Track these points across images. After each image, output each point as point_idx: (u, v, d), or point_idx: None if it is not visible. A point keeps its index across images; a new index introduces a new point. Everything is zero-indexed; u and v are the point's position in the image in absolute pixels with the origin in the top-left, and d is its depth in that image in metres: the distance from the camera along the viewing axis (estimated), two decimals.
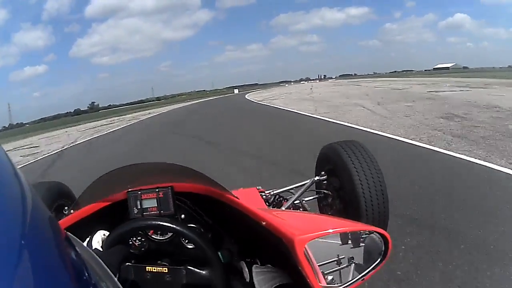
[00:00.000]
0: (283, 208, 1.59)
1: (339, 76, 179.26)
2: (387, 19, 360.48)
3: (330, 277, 0.69)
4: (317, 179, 1.73)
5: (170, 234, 0.83)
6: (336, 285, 0.68)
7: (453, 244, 1.92)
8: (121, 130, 14.22)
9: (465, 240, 1.94)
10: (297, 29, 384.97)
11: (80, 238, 0.56)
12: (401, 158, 3.93)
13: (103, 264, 0.44)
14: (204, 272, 0.78)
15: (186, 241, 0.82)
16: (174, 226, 0.77)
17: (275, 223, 0.69)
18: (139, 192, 0.83)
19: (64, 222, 0.79)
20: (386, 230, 0.73)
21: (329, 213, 1.65)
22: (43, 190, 1.61)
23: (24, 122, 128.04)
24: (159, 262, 0.81)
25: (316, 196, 1.78)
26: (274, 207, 1.66)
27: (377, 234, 0.73)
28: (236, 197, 0.79)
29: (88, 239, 0.83)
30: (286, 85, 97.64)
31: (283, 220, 0.74)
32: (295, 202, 1.65)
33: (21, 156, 9.70)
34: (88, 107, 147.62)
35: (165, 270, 0.79)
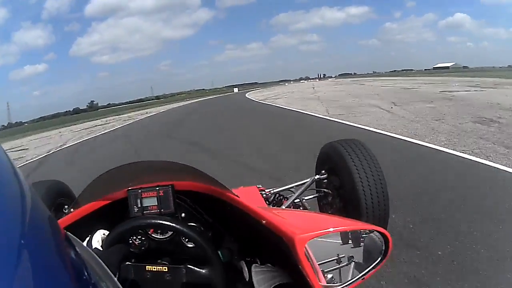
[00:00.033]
0: (283, 207, 1.58)
1: (339, 75, 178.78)
2: (387, 19, 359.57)
3: (330, 276, 0.70)
4: (317, 178, 1.71)
5: (170, 233, 0.82)
6: (336, 284, 0.69)
7: None
8: (111, 133, 13.06)
9: None
10: (297, 28, 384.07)
11: (80, 237, 0.56)
12: (477, 185, 2.87)
13: (103, 263, 0.43)
14: (204, 271, 0.77)
15: (186, 240, 0.81)
16: (174, 225, 0.77)
17: (275, 221, 0.69)
18: (140, 191, 0.83)
19: (64, 221, 0.79)
20: (386, 229, 0.73)
21: (329, 212, 1.64)
22: (43, 189, 1.60)
23: (23, 121, 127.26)
24: (159, 261, 0.81)
25: (316, 195, 1.76)
26: (274, 206, 1.64)
27: (378, 233, 0.73)
28: (237, 196, 0.79)
29: (88, 238, 0.82)
30: (286, 84, 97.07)
31: (284, 219, 0.74)
32: (295, 201, 1.64)
33: None
34: (87, 106, 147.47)
35: (165, 269, 0.78)
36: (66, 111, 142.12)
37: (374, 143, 4.50)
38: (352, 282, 0.69)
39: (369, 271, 0.71)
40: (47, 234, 0.31)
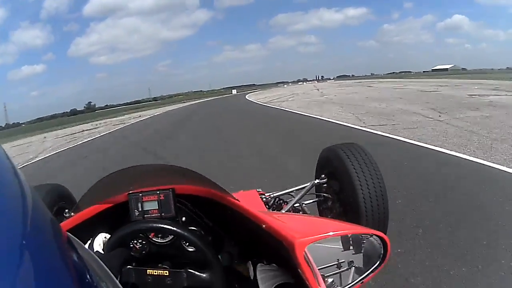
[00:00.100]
0: (283, 211, 1.57)
1: (337, 77, 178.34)
2: (385, 20, 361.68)
3: (330, 280, 0.70)
4: (317, 182, 1.70)
5: (171, 237, 0.82)
6: None
7: None
8: (90, 143, 11.50)
9: None
10: (295, 29, 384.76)
11: (81, 240, 0.55)
12: None
13: (105, 266, 0.43)
14: (204, 275, 0.77)
15: (187, 244, 0.81)
16: (175, 228, 0.77)
17: (275, 225, 0.69)
18: (140, 194, 0.83)
19: (65, 224, 0.78)
20: (385, 233, 0.77)
21: (329, 216, 1.63)
22: (43, 193, 1.58)
23: (21, 122, 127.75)
24: (160, 265, 0.81)
25: (316, 199, 1.75)
26: (274, 210, 1.64)
27: (376, 237, 0.73)
28: (237, 200, 0.79)
29: (89, 241, 0.81)
30: (285, 86, 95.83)
31: (283, 223, 0.74)
32: (295, 205, 1.63)
33: None
34: (84, 107, 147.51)
35: (165, 273, 0.78)
36: (64, 112, 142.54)
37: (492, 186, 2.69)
38: (351, 286, 0.70)
39: (367, 275, 0.72)
40: (49, 235, 0.31)
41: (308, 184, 1.73)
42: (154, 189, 0.82)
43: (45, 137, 18.04)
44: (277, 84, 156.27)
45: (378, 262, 0.72)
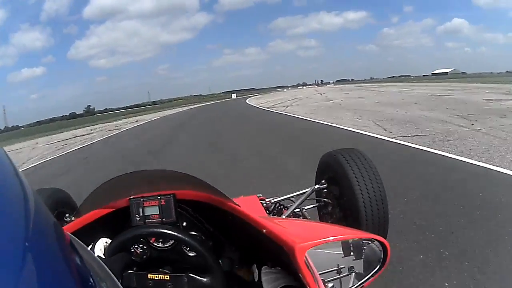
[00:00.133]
0: (284, 216, 1.57)
1: (336, 81, 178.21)
2: (385, 24, 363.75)
3: (330, 285, 0.70)
4: (317, 188, 1.70)
5: (171, 242, 0.82)
6: None
7: None
8: (79, 151, 10.58)
9: None
10: (295, 33, 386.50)
11: None
12: None
13: (107, 268, 0.43)
14: (205, 280, 0.77)
15: (188, 248, 0.81)
16: (176, 233, 0.77)
17: (276, 230, 0.69)
18: (141, 200, 0.83)
19: (66, 229, 0.75)
20: (385, 238, 0.74)
21: (329, 221, 1.62)
22: (44, 197, 1.58)
23: (20, 125, 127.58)
24: (160, 269, 0.81)
25: (316, 204, 1.75)
26: (275, 215, 1.64)
27: (376, 242, 0.73)
28: (237, 205, 0.80)
29: (90, 246, 0.82)
30: (285, 90, 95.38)
31: (284, 228, 0.74)
32: (295, 210, 1.63)
33: None
34: (84, 110, 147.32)
35: (166, 277, 0.78)
36: (63, 116, 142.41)
37: None
38: None
39: (368, 279, 0.72)
40: (51, 237, 0.31)
41: (308, 189, 1.73)
42: (155, 194, 0.83)
43: (37, 143, 17.39)
44: (276, 88, 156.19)
45: (378, 267, 0.73)
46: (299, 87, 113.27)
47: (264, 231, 0.70)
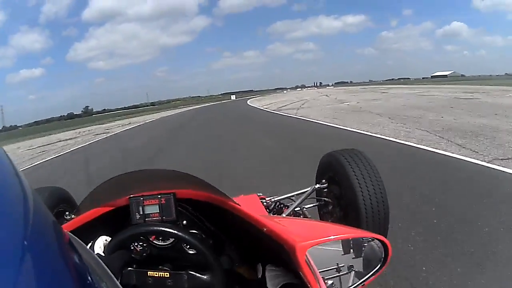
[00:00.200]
0: (284, 215, 1.56)
1: (335, 83, 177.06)
2: (384, 27, 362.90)
3: (330, 282, 0.70)
4: (318, 187, 1.70)
5: (171, 240, 0.82)
6: None
7: None
8: (56, 159, 9.14)
9: None
10: (294, 36, 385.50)
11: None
12: None
13: (106, 267, 0.43)
14: (205, 277, 0.77)
15: (188, 246, 0.81)
16: (176, 232, 0.77)
17: (276, 229, 0.69)
18: (141, 198, 0.83)
19: (66, 227, 0.79)
20: (386, 237, 0.73)
21: (330, 221, 1.61)
22: (44, 195, 1.57)
23: (18, 125, 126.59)
24: (160, 267, 0.81)
25: (317, 203, 1.74)
26: (275, 214, 1.62)
27: (377, 241, 0.73)
28: (237, 204, 0.80)
29: (90, 244, 0.82)
30: (284, 91, 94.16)
31: (284, 226, 0.74)
32: (295, 209, 1.62)
33: None
34: (82, 111, 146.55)
35: (166, 275, 0.78)
36: (61, 116, 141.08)
37: None
38: None
39: (368, 278, 0.72)
40: (51, 236, 0.31)
41: (309, 188, 1.71)
42: (155, 193, 0.83)
43: (18, 148, 15.89)
44: (275, 90, 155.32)
45: (378, 266, 0.73)
46: (298, 89, 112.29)
47: (265, 229, 0.71)
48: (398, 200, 2.68)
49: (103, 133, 16.31)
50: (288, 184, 3.20)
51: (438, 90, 19.53)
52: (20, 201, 0.29)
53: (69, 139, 15.91)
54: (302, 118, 10.86)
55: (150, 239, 0.83)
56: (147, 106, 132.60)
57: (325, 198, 1.67)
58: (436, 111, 9.08)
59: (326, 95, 26.34)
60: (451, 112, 8.54)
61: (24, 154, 11.89)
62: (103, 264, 0.43)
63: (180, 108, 46.52)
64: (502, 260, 1.85)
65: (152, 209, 0.82)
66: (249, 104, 27.13)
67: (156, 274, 0.78)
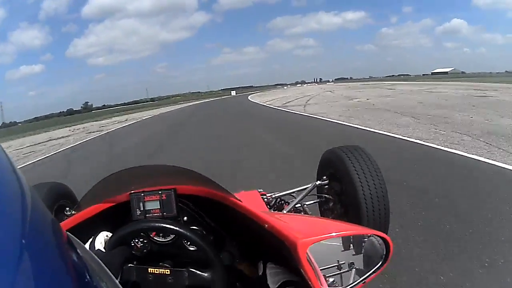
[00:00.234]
0: (285, 212, 1.55)
1: (335, 79, 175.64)
2: (384, 24, 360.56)
3: (331, 280, 0.70)
4: (319, 184, 1.69)
5: (172, 236, 0.82)
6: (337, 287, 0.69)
7: None
8: (40, 162, 8.20)
9: None
10: (293, 32, 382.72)
11: (82, 239, 0.52)
12: None
13: (104, 265, 0.43)
14: (206, 274, 0.77)
15: (189, 243, 0.81)
16: (176, 228, 0.76)
17: (277, 226, 0.69)
18: (142, 194, 0.83)
19: (67, 223, 0.79)
20: (387, 234, 0.73)
21: (330, 217, 1.61)
22: (45, 191, 1.56)
23: (17, 121, 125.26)
24: (161, 263, 0.80)
25: (318, 200, 1.73)
26: (276, 210, 1.62)
27: (378, 238, 0.73)
28: (239, 200, 0.79)
29: (90, 240, 0.81)
30: (285, 87, 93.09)
31: (286, 223, 0.73)
32: (296, 205, 1.61)
33: None
34: (81, 107, 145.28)
35: (167, 271, 0.78)
36: (60, 112, 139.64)
37: None
38: (353, 286, 0.69)
39: (369, 275, 0.71)
40: (48, 235, 0.30)
41: (310, 185, 1.70)
42: (156, 189, 0.83)
43: (9, 146, 14.97)
44: (275, 86, 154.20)
45: (380, 263, 0.72)
46: (298, 85, 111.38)
47: (266, 226, 0.70)
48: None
49: (97, 131, 15.44)
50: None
51: (444, 87, 18.80)
52: (17, 198, 0.28)
53: (62, 137, 14.96)
54: (314, 116, 9.90)
55: (151, 235, 0.82)
56: (147, 102, 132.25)
57: (326, 195, 1.66)
58: (459, 109, 8.31)
59: (330, 91, 25.47)
60: (476, 112, 7.85)
61: (11, 155, 10.87)
62: (101, 262, 0.43)
63: (180, 104, 45.64)
64: None
65: (152, 205, 0.82)
66: (251, 100, 26.30)
67: (156, 270, 0.77)
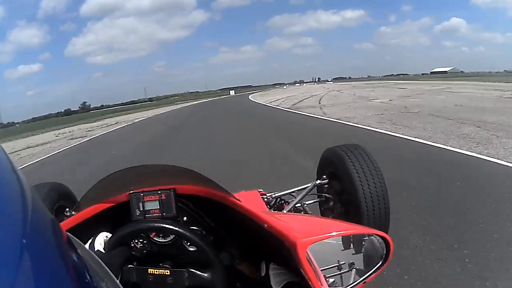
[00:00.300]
0: (285, 211, 1.55)
1: (333, 79, 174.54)
2: (382, 23, 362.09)
3: (331, 280, 0.69)
4: (319, 183, 1.68)
5: (172, 237, 0.82)
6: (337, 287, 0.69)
7: None
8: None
9: None
10: (292, 31, 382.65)
11: (82, 239, 0.52)
12: None
13: (104, 266, 0.43)
14: (206, 275, 0.76)
15: (188, 243, 0.80)
16: (176, 228, 0.76)
17: (277, 225, 0.68)
18: (142, 194, 0.82)
19: (66, 223, 0.78)
20: (387, 233, 0.72)
21: (331, 217, 1.61)
22: (45, 191, 1.57)
23: (15, 122, 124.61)
24: (161, 264, 0.80)
25: (318, 199, 1.73)
26: (276, 210, 1.62)
27: (379, 237, 0.72)
28: (238, 200, 0.79)
29: (90, 240, 0.81)
30: (284, 87, 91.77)
31: (285, 223, 0.73)
32: (296, 205, 1.61)
33: None
34: (79, 107, 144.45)
35: (167, 272, 0.77)
36: (58, 112, 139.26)
37: None
38: (353, 286, 0.69)
39: (370, 275, 0.71)
40: (49, 235, 0.31)
41: (310, 184, 1.69)
42: (155, 189, 0.82)
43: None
44: (274, 85, 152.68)
45: (380, 262, 0.72)
46: (296, 85, 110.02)
47: (265, 225, 0.70)
48: None
49: (80, 137, 13.51)
50: None
51: (460, 87, 17.34)
52: (18, 198, 0.28)
53: (41, 144, 13.08)
54: (342, 122, 7.87)
55: (151, 235, 0.82)
56: (145, 101, 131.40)
57: (326, 194, 1.65)
58: (508, 114, 6.70)
59: (338, 91, 23.92)
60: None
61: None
62: (102, 262, 0.43)
63: (178, 104, 44.12)
64: None
65: (152, 205, 0.82)
66: (252, 99, 24.63)
67: (156, 271, 0.77)
